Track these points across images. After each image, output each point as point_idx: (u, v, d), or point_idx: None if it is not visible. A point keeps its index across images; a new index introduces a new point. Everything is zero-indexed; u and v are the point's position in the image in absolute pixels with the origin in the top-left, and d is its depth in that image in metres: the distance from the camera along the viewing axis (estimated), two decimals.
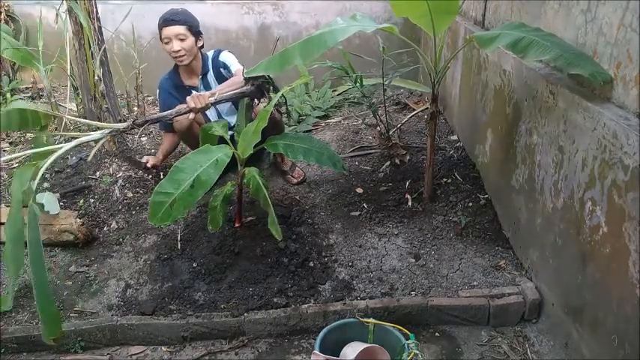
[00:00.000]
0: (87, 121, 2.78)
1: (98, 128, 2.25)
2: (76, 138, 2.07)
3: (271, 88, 2.38)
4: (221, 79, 2.83)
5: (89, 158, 2.44)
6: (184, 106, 2.30)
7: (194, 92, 2.40)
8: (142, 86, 3.83)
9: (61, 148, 1.99)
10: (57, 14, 3.15)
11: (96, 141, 2.19)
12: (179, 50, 2.66)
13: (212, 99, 2.32)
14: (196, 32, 2.71)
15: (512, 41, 1.90)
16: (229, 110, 2.94)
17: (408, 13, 2.16)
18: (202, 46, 2.82)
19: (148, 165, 2.84)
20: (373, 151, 3.29)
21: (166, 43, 2.68)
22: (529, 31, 1.95)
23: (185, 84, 2.84)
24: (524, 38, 1.87)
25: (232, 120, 2.89)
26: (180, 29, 2.64)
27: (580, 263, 1.74)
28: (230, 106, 2.92)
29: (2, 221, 2.46)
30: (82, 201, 2.78)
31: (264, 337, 2.09)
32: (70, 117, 2.52)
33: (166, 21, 2.66)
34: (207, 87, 2.85)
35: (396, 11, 2.16)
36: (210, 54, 2.88)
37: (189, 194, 1.97)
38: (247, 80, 2.34)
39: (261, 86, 2.35)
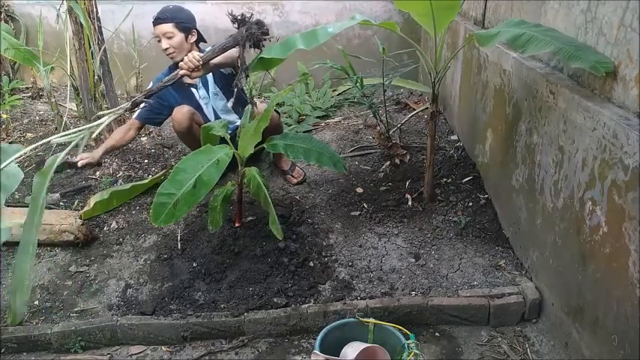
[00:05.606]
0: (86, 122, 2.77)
1: (99, 117, 2.20)
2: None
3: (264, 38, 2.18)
4: (219, 75, 2.79)
5: (93, 135, 2.35)
6: (177, 71, 2.24)
7: (186, 57, 2.26)
8: (142, 86, 3.84)
9: (76, 138, 1.96)
10: (57, 15, 3.15)
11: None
12: (167, 48, 2.67)
13: (204, 56, 2.21)
14: (185, 28, 2.68)
15: (512, 37, 1.90)
16: (224, 108, 2.91)
17: (410, 7, 2.15)
18: (199, 41, 2.77)
19: (79, 164, 2.59)
20: (373, 151, 3.29)
21: (159, 42, 2.70)
22: (529, 27, 1.95)
23: (184, 81, 2.82)
24: (524, 34, 1.87)
25: (228, 118, 2.88)
26: (166, 27, 2.64)
27: (580, 263, 1.74)
28: (225, 104, 2.90)
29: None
30: (82, 201, 2.78)
31: (264, 337, 2.09)
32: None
33: (155, 20, 2.68)
34: (205, 84, 2.83)
35: (398, 4, 2.15)
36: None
37: (191, 194, 1.98)
38: (239, 25, 2.16)
39: (251, 35, 2.14)
